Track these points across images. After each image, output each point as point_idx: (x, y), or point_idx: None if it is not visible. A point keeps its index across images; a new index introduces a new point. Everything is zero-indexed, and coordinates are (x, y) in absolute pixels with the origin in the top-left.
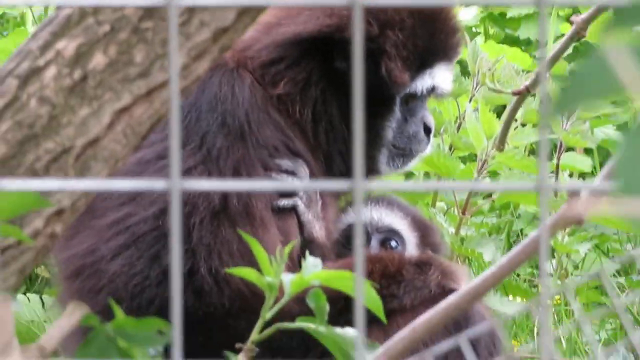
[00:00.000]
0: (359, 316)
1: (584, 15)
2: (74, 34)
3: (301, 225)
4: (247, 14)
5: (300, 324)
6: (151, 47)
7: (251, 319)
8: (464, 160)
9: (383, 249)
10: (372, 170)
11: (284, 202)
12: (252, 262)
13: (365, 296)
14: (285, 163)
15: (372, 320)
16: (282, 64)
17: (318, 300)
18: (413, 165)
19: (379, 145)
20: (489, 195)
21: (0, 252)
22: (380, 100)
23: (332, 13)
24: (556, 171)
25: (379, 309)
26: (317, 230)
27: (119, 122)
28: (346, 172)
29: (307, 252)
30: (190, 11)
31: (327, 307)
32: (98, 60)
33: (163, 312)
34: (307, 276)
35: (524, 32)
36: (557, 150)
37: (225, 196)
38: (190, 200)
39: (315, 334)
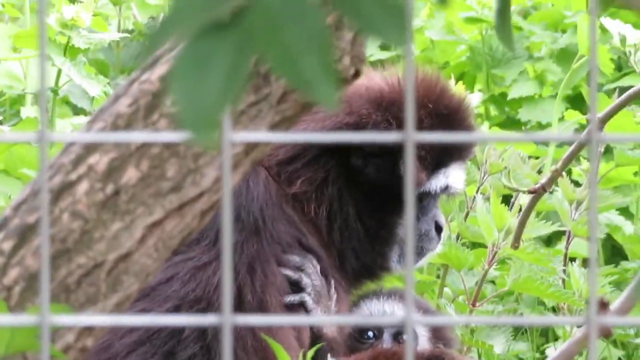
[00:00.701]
0: None
1: (600, 114)
2: (106, 148)
3: None
4: (278, 127)
5: None
6: (183, 161)
7: None
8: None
9: (396, 343)
10: (382, 267)
11: (291, 299)
12: (266, 358)
13: None
14: (294, 259)
15: None
16: (299, 162)
17: None
18: (423, 263)
19: (391, 242)
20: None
21: None
22: (396, 198)
23: (350, 111)
24: (564, 259)
25: None
26: (327, 326)
27: (151, 237)
28: (359, 268)
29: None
30: None
31: None
32: (130, 174)
33: None
34: None
35: (524, 115)
36: (567, 239)
37: (239, 291)
38: (205, 296)
39: None
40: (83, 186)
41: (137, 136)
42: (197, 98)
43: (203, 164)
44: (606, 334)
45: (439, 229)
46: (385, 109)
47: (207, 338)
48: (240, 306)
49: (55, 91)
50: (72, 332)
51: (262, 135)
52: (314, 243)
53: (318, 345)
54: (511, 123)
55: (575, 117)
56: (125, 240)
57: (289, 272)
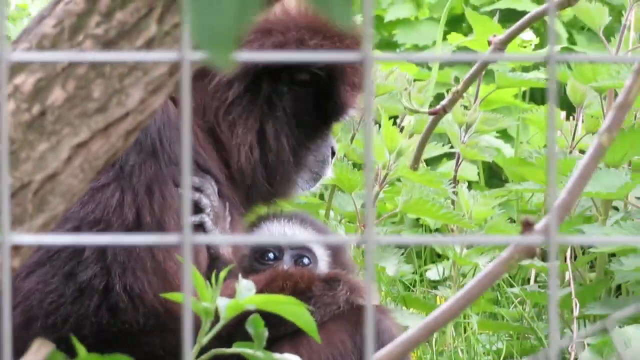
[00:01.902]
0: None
1: (501, 36)
2: (32, 69)
3: None
4: None
5: (238, 349)
6: (109, 81)
7: (165, 336)
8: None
9: (295, 266)
10: (286, 193)
11: (192, 219)
12: (165, 280)
13: (300, 318)
14: (193, 179)
15: (283, 336)
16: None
17: (257, 326)
18: (317, 187)
19: (303, 169)
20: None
21: None
22: (322, 125)
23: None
24: (454, 181)
25: (313, 330)
26: (224, 246)
27: (77, 157)
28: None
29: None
30: (148, 45)
31: (267, 332)
32: (56, 95)
33: (78, 330)
34: (242, 300)
35: (401, 37)
36: (456, 161)
37: (138, 213)
38: (105, 217)
39: (253, 359)
40: (9, 106)
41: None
42: (213, 18)
43: (128, 85)
44: (531, 254)
45: (333, 154)
46: (322, 38)
47: (107, 259)
48: (138, 228)
49: None
50: None
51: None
52: (212, 165)
53: (230, 266)
54: (387, 45)
55: (457, 39)
56: (51, 160)
57: (190, 194)
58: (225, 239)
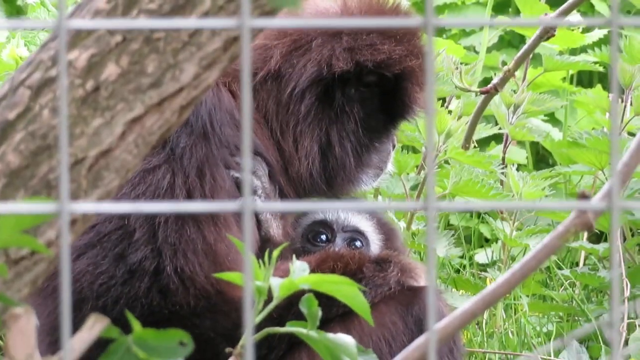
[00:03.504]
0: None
1: (553, 14)
2: (86, 44)
3: (259, 224)
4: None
5: (291, 328)
6: (163, 56)
7: (216, 318)
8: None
9: (348, 249)
10: (346, 191)
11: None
12: (216, 261)
13: (353, 299)
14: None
15: (334, 318)
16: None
17: (310, 306)
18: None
19: (365, 170)
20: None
21: (14, 263)
22: (389, 125)
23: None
24: (503, 163)
25: (366, 312)
26: (275, 228)
27: (131, 133)
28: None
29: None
30: (202, 19)
31: (320, 312)
32: (110, 70)
33: (129, 312)
34: (296, 280)
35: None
36: (504, 143)
37: (189, 194)
38: (155, 199)
39: (307, 339)
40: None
41: (123, 23)
42: None
43: (182, 60)
44: (588, 226)
45: (393, 147)
46: (393, 41)
47: (157, 241)
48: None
49: None
50: (53, 229)
51: (278, 21)
52: (264, 149)
53: (284, 244)
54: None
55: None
56: (105, 136)
57: (240, 175)
58: (286, 206)
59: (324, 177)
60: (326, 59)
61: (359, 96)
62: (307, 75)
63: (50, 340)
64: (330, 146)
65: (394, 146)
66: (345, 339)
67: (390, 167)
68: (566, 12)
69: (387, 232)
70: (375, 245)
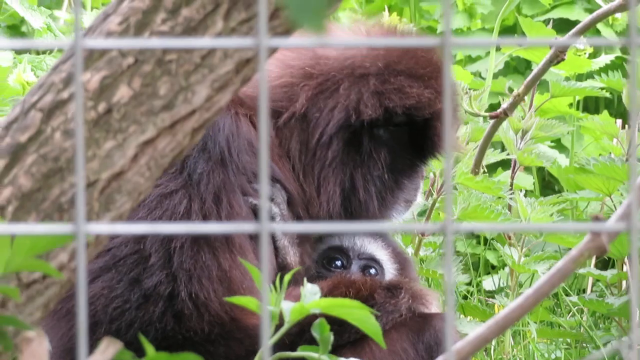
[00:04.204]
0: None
1: (563, 37)
2: (98, 66)
3: (276, 250)
4: None
5: (303, 352)
6: (175, 79)
7: (230, 344)
8: None
9: (362, 275)
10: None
11: None
12: (230, 288)
13: (365, 322)
14: None
15: (345, 344)
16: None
17: (323, 330)
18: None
19: (390, 209)
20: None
21: (26, 287)
22: (418, 162)
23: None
24: (511, 189)
25: (378, 335)
26: (292, 255)
27: (143, 155)
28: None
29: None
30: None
31: (332, 337)
32: (122, 92)
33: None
34: (307, 304)
35: (454, 48)
36: (512, 168)
37: (205, 220)
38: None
39: None
40: (75, 104)
41: (139, 43)
42: None
43: (194, 82)
44: (602, 250)
45: (422, 177)
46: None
47: (172, 266)
48: (205, 235)
49: None
50: (66, 252)
51: (294, 40)
52: (282, 176)
53: (295, 269)
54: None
55: (510, 49)
56: (117, 158)
57: (258, 202)
58: (303, 227)
59: (345, 219)
60: (354, 105)
61: (388, 135)
62: (335, 121)
63: None
64: (354, 190)
65: (422, 177)
66: None
67: (419, 198)
68: (581, 32)
69: (402, 261)
70: (390, 274)
